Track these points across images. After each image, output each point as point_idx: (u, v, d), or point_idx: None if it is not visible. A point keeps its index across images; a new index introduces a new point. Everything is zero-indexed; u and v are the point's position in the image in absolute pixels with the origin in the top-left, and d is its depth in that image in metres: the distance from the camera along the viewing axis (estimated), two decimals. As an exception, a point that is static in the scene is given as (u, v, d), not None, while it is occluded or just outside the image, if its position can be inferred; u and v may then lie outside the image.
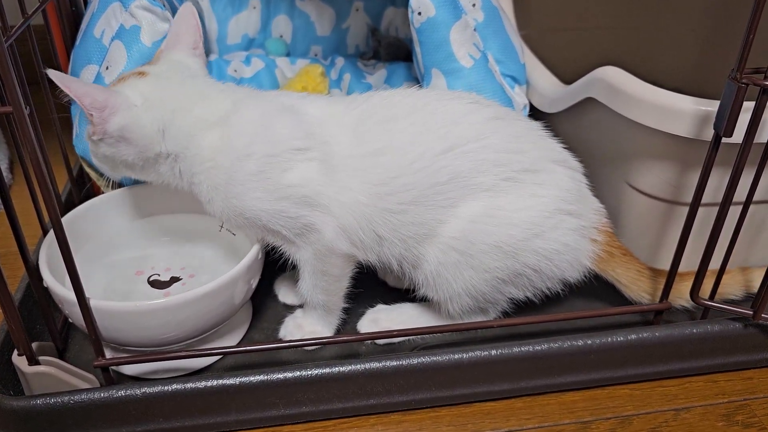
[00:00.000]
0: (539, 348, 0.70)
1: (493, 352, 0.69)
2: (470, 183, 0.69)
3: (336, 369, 0.67)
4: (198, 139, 0.68)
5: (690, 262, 0.73)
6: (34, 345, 0.66)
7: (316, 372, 0.67)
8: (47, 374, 0.66)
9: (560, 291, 0.77)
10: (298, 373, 0.67)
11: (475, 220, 0.69)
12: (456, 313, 0.74)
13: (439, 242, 0.70)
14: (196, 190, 0.70)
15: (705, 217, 0.72)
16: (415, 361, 0.68)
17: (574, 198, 0.73)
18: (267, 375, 0.66)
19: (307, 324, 0.75)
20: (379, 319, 0.77)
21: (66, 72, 0.88)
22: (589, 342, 0.71)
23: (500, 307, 0.77)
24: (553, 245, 0.71)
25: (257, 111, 0.69)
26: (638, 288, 0.77)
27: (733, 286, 0.77)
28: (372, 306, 0.80)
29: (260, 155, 0.67)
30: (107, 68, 0.81)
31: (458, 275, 0.71)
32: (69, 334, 0.77)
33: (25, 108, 0.54)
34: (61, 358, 0.69)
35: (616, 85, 0.76)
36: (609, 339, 0.71)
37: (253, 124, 0.68)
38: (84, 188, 0.92)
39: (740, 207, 0.67)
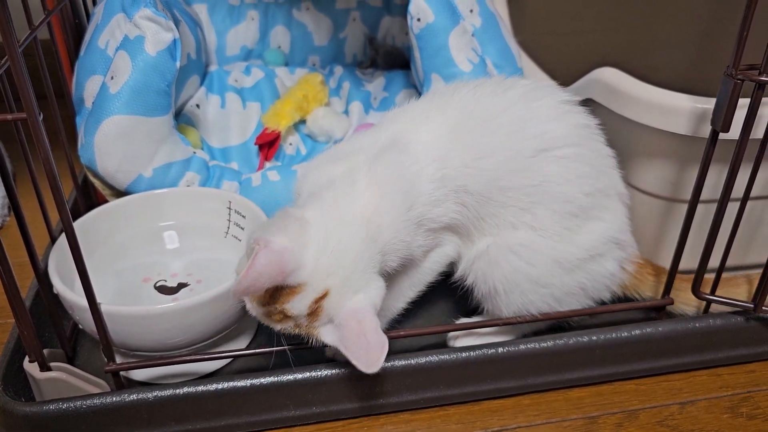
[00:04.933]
0: (545, 345, 0.71)
1: (500, 349, 0.70)
2: (555, 190, 0.67)
3: (345, 370, 0.68)
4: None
5: (689, 259, 0.74)
6: (45, 351, 0.66)
7: (326, 373, 0.68)
8: (59, 380, 0.66)
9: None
10: (308, 374, 0.67)
11: (542, 234, 0.68)
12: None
13: (502, 246, 0.69)
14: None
15: (704, 214, 0.73)
16: (423, 360, 0.69)
17: (625, 230, 0.74)
18: (277, 377, 0.67)
19: None
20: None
21: (70, 83, 0.89)
22: (594, 338, 0.72)
23: None
24: (601, 270, 0.72)
25: (381, 176, 0.65)
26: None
27: (734, 291, 0.77)
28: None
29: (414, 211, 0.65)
30: (112, 78, 0.82)
31: (514, 286, 0.70)
32: (77, 341, 0.78)
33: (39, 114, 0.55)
34: (71, 365, 0.69)
35: (613, 85, 0.78)
36: (613, 335, 0.72)
37: (388, 187, 0.65)
38: (89, 197, 0.93)
39: (738, 203, 0.69)
